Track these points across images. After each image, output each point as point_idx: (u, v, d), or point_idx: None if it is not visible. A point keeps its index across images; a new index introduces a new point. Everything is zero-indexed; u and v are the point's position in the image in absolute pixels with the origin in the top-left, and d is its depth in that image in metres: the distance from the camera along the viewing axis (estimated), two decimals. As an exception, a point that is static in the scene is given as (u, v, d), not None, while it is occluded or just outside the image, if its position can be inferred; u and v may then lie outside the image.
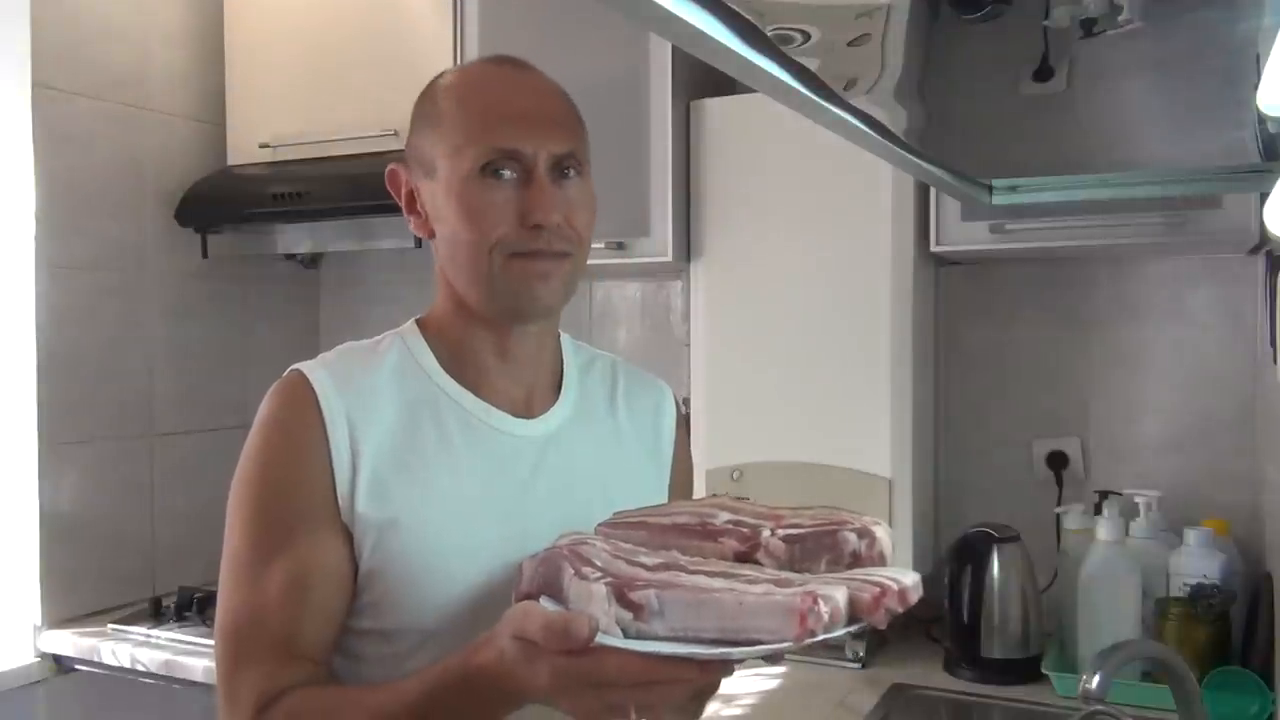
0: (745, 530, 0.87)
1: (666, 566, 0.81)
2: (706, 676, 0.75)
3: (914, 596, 0.77)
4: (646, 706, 0.75)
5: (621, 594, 0.76)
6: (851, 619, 0.75)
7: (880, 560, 0.84)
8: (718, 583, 0.77)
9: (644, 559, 0.82)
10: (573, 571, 0.80)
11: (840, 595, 0.74)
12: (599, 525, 0.92)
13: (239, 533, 0.94)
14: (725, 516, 0.89)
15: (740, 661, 0.75)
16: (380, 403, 0.97)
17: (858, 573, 0.81)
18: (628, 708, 0.75)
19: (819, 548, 0.84)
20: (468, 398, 1.00)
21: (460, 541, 0.95)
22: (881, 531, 0.85)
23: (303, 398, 0.95)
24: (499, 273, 0.96)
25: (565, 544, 0.84)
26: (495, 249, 0.96)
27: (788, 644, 0.72)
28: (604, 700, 0.75)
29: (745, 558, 0.86)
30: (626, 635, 0.76)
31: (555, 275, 0.98)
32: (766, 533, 0.86)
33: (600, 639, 0.74)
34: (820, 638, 0.72)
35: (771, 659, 0.76)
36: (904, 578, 0.78)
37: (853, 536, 0.84)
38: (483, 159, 0.95)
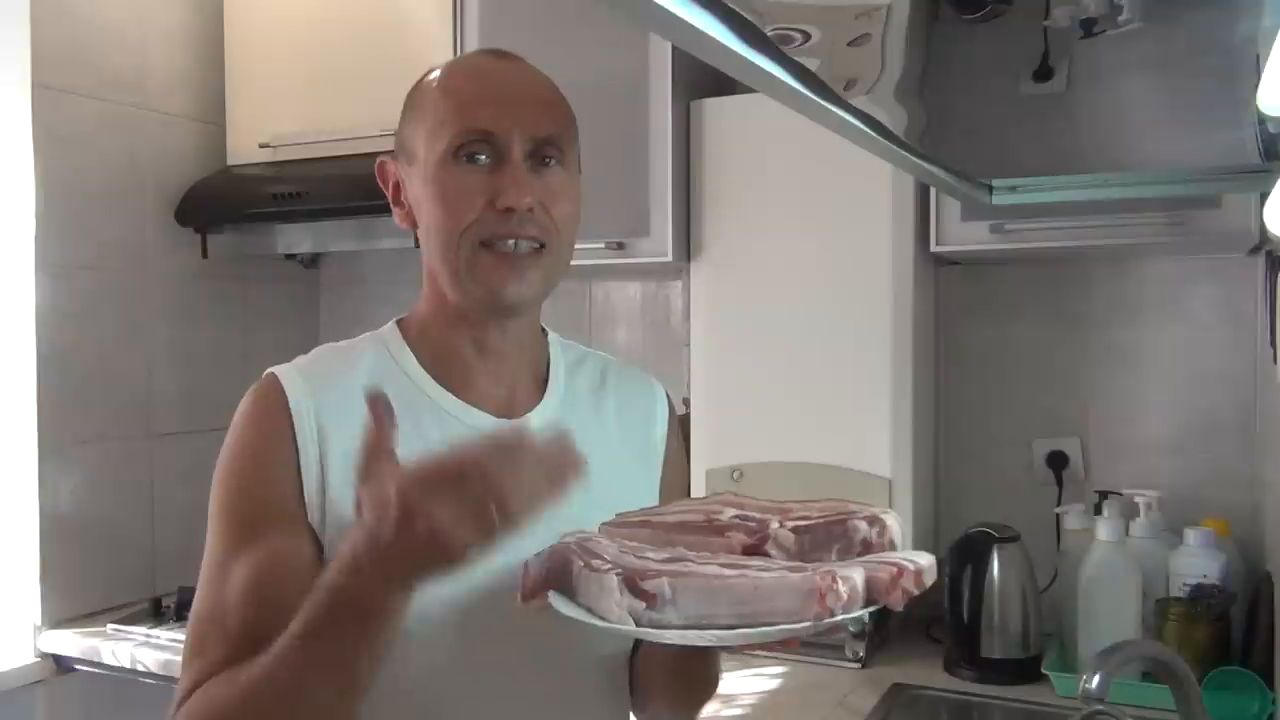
0: (752, 524, 0.86)
1: (675, 560, 0.80)
2: None
3: (930, 579, 0.77)
4: (503, 496, 0.71)
5: (633, 583, 0.75)
6: (868, 601, 0.74)
7: (891, 548, 0.83)
8: (730, 571, 0.76)
9: (651, 554, 0.81)
10: (582, 563, 0.79)
11: (858, 575, 0.73)
12: (601, 525, 0.91)
13: (211, 529, 0.95)
14: (731, 512, 0.88)
15: (757, 647, 0.74)
16: (354, 404, 0.95)
17: (871, 558, 0.80)
18: (485, 502, 0.71)
19: (829, 537, 0.84)
20: (446, 398, 0.99)
21: None
22: (891, 519, 0.85)
23: (274, 399, 0.95)
24: (467, 265, 0.95)
25: (572, 540, 0.83)
26: (465, 235, 0.94)
27: (806, 624, 0.71)
28: (455, 504, 0.71)
29: (753, 551, 0.84)
30: (639, 625, 0.75)
31: (528, 271, 0.96)
32: (775, 524, 0.85)
33: (613, 628, 0.73)
34: (837, 619, 0.71)
35: (786, 643, 0.75)
36: (920, 559, 0.77)
37: (863, 524, 0.84)
38: (456, 141, 0.94)
